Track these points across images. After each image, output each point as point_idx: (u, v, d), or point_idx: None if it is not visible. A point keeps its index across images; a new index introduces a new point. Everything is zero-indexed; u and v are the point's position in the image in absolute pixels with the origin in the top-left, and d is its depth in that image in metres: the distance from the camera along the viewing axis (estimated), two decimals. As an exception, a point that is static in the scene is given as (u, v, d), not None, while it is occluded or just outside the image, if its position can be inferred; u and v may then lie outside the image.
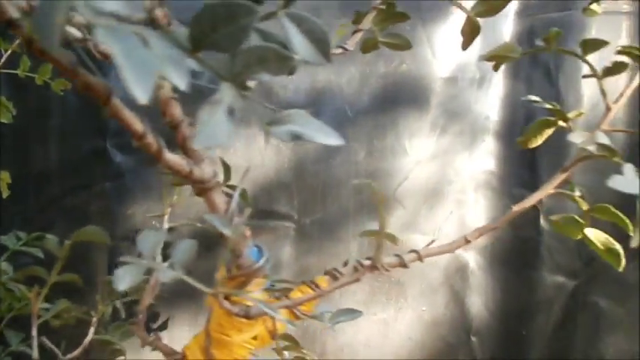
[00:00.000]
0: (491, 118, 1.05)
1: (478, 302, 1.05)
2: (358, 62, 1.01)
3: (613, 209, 0.35)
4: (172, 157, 0.27)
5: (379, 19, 0.42)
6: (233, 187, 0.58)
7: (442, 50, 1.03)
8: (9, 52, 0.74)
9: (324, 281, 0.38)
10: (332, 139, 0.24)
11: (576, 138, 0.32)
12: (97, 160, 0.99)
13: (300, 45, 0.28)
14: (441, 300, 1.03)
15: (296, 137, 0.24)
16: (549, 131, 0.42)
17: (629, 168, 0.29)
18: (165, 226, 0.55)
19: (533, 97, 0.42)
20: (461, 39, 0.47)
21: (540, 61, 1.07)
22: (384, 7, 0.41)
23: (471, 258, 1.04)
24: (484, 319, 1.04)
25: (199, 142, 0.21)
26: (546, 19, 1.06)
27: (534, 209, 0.99)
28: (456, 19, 1.02)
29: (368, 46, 0.45)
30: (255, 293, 0.32)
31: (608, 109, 0.37)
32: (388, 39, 0.45)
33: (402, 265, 0.37)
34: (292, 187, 0.99)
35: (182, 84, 0.22)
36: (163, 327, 0.97)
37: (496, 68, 0.42)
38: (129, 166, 0.99)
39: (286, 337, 0.44)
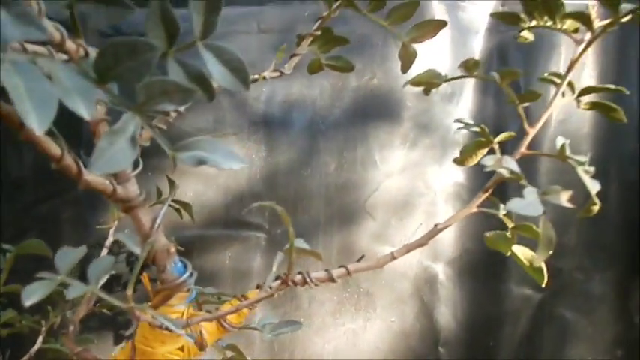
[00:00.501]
0: (461, 131, 1.07)
1: (447, 313, 1.06)
2: (330, 76, 1.03)
3: (535, 228, 0.37)
4: (93, 178, 0.28)
5: (321, 44, 0.44)
6: (180, 203, 0.59)
7: (413, 65, 1.05)
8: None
9: (254, 295, 0.39)
10: (235, 163, 0.26)
11: (487, 162, 0.33)
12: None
13: (220, 74, 0.29)
14: (410, 311, 1.05)
15: (202, 162, 0.26)
16: (483, 151, 0.44)
17: (529, 191, 0.31)
18: (110, 238, 0.56)
19: (465, 120, 0.44)
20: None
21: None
22: (319, 33, 0.43)
23: (440, 269, 1.06)
24: (452, 330, 1.06)
25: (96, 169, 0.23)
26: (517, 35, 1.08)
27: (502, 223, 1.00)
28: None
29: (313, 67, 0.47)
30: (178, 306, 0.34)
31: (526, 133, 0.39)
32: (332, 61, 0.47)
33: (330, 279, 0.38)
34: (264, 198, 1.01)
35: (86, 114, 0.23)
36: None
37: (426, 93, 0.44)
38: (102, 175, 1.00)
39: (232, 347, 0.45)
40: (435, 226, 0.41)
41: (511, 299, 1.06)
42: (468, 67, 0.41)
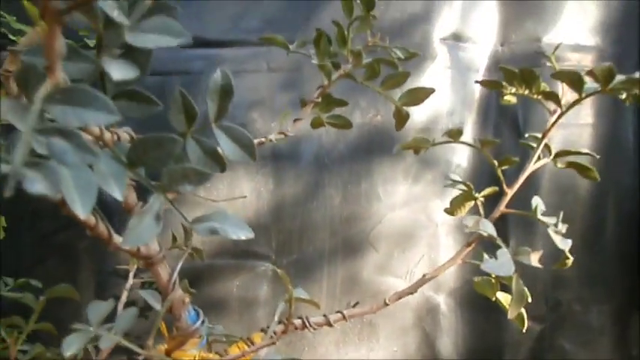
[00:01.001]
0: (462, 166, 1.11)
1: (448, 343, 1.09)
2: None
3: (516, 278, 0.41)
4: (120, 240, 0.33)
5: (322, 107, 0.48)
6: (196, 250, 0.64)
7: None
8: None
9: (259, 337, 0.43)
10: (243, 233, 0.30)
11: (468, 222, 0.37)
12: (88, 199, 1.06)
13: (231, 150, 0.34)
14: (412, 341, 1.07)
15: (214, 233, 0.30)
16: (471, 203, 0.48)
17: (502, 252, 0.35)
18: (130, 281, 0.61)
19: (453, 177, 0.48)
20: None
21: (508, 112, 1.13)
22: (319, 100, 0.47)
23: (442, 300, 1.09)
24: (454, 360, 1.08)
25: (127, 243, 0.27)
26: (515, 74, 1.13)
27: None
28: (430, 74, 1.09)
29: (315, 124, 0.51)
30: (191, 351, 0.38)
31: (504, 193, 0.43)
32: (332, 120, 0.51)
33: (328, 324, 0.42)
34: (271, 229, 1.05)
35: (119, 196, 0.28)
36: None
37: (416, 152, 0.49)
38: (118, 207, 1.05)
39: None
40: (424, 276, 0.45)
41: (511, 330, 1.08)
42: (452, 134, 0.46)
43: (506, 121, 1.13)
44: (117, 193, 0.27)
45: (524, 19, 1.15)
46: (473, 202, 0.47)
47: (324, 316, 0.43)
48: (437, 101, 1.12)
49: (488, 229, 0.37)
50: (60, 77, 0.23)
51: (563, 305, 1.09)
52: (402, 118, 0.46)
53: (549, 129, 0.42)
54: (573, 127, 1.11)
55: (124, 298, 0.58)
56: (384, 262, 1.07)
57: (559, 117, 0.41)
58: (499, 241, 0.36)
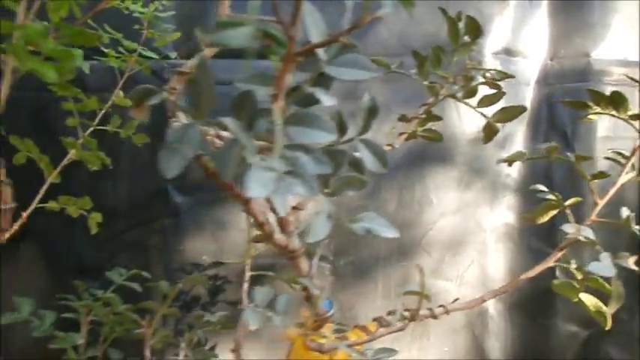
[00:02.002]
0: (511, 175, 1.15)
1: (496, 346, 1.13)
2: (392, 121, 1.13)
3: (601, 280, 0.46)
4: (279, 237, 0.39)
5: (421, 122, 0.54)
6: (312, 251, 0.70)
7: (468, 113, 1.15)
8: (103, 111, 0.88)
9: (373, 326, 0.49)
10: (390, 232, 0.36)
11: (568, 229, 0.42)
12: (158, 199, 1.13)
13: (368, 159, 0.40)
14: (462, 342, 1.12)
15: (368, 231, 0.36)
16: (553, 212, 0.53)
17: (604, 256, 0.39)
18: (248, 274, 0.67)
19: (540, 187, 0.53)
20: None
21: (558, 126, 1.17)
22: (424, 115, 0.53)
23: (491, 304, 1.13)
24: (501, 363, 1.12)
25: (310, 238, 0.33)
26: (564, 88, 1.17)
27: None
28: (483, 87, 1.14)
29: (409, 137, 0.57)
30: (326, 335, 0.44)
31: (595, 203, 0.48)
32: (425, 133, 0.57)
33: (432, 316, 0.47)
34: (330, 233, 1.10)
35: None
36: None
37: (510, 164, 0.54)
38: (186, 206, 1.12)
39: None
40: (518, 276, 0.49)
41: (558, 336, 1.12)
42: (549, 151, 0.51)
43: (556, 133, 1.17)
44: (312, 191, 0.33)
45: (573, 34, 1.19)
46: (556, 211, 0.52)
47: (429, 309, 0.49)
48: (489, 113, 1.17)
49: (588, 234, 0.42)
50: (282, 103, 0.29)
51: (609, 312, 1.12)
52: (491, 132, 0.51)
53: (638, 147, 0.46)
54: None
55: (245, 287, 0.64)
56: (436, 266, 1.12)
57: (648, 137, 0.45)
58: (599, 247, 0.41)
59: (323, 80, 0.31)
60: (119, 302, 0.57)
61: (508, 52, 1.17)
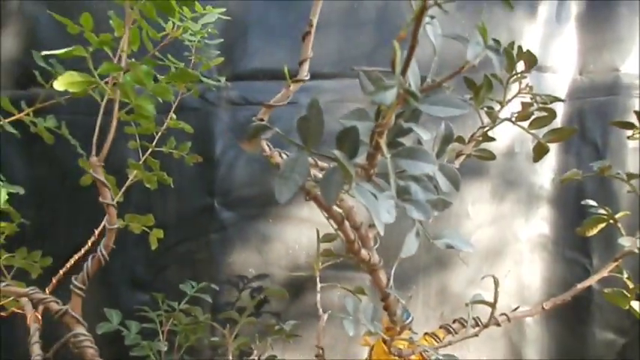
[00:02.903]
0: (545, 187, 1.19)
1: (533, 353, 1.16)
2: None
3: (652, 288, 0.49)
4: (364, 253, 0.43)
5: (475, 145, 0.59)
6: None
7: (501, 127, 1.19)
8: (159, 133, 0.94)
9: (441, 333, 0.53)
10: (468, 247, 0.40)
11: (625, 242, 0.46)
12: (205, 215, 1.18)
13: (444, 183, 0.44)
14: (500, 349, 1.15)
15: (450, 246, 0.40)
16: (602, 225, 0.57)
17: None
18: (319, 286, 0.71)
19: (590, 202, 0.57)
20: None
21: (589, 138, 1.21)
22: (480, 137, 0.58)
23: (527, 313, 1.16)
24: (539, 370, 1.15)
25: (403, 254, 0.37)
26: (594, 102, 1.21)
27: (586, 272, 1.13)
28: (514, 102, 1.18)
29: (467, 157, 0.62)
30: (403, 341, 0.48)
31: (647, 218, 0.52)
32: (479, 153, 0.62)
33: (496, 324, 0.52)
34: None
35: (390, 218, 0.39)
36: None
37: (563, 182, 0.58)
38: (231, 221, 1.18)
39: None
40: (575, 286, 0.53)
41: (595, 343, 1.14)
42: (603, 170, 0.55)
43: (587, 146, 1.20)
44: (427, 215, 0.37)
45: (601, 49, 1.22)
46: (604, 224, 0.56)
47: (493, 317, 0.53)
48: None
49: (644, 247, 0.46)
50: (385, 139, 0.34)
51: (646, 320, 1.15)
52: (542, 151, 0.55)
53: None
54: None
55: (318, 298, 0.69)
56: (474, 275, 1.15)
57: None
58: (653, 257, 0.45)
59: (414, 115, 0.36)
60: (200, 313, 0.62)
61: (538, 68, 1.21)
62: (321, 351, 0.54)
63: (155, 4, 0.53)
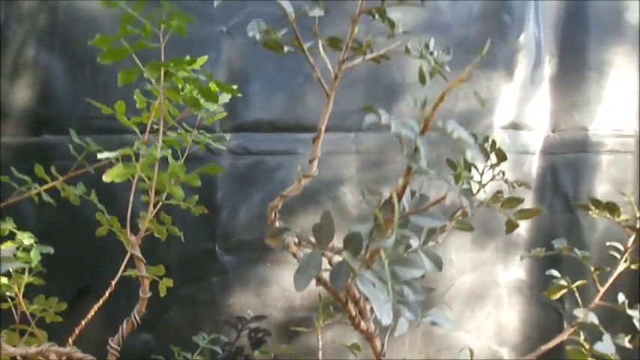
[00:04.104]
0: (522, 235, 1.29)
1: (512, 392, 1.24)
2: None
3: (610, 355, 0.59)
4: (364, 325, 0.52)
5: (455, 221, 0.69)
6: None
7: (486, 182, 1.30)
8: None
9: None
10: (449, 324, 0.49)
11: (578, 313, 0.56)
12: (206, 258, 1.26)
13: (427, 264, 0.54)
14: (481, 389, 1.23)
15: (434, 323, 0.49)
16: (563, 291, 0.67)
17: (606, 337, 0.53)
18: (320, 343, 0.79)
19: (554, 273, 0.67)
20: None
21: (561, 190, 1.32)
22: (460, 217, 0.68)
23: (506, 353, 1.25)
24: (517, 408, 1.24)
25: (397, 333, 0.46)
26: (566, 157, 1.32)
27: (559, 315, 1.23)
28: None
29: (444, 232, 0.71)
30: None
31: (598, 290, 0.61)
32: (459, 225, 0.71)
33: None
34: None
35: (388, 320, 0.48)
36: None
37: (531, 257, 0.68)
38: (232, 264, 1.26)
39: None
40: (531, 330, 0.63)
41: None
42: (562, 249, 0.65)
43: (559, 198, 1.31)
44: (416, 315, 0.47)
45: (572, 110, 1.34)
46: (565, 289, 0.65)
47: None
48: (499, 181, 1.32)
49: (593, 319, 0.56)
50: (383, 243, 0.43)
51: None
52: (512, 227, 0.65)
53: (629, 248, 0.60)
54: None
55: (320, 355, 0.77)
56: (457, 319, 1.24)
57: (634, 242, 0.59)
58: (602, 329, 0.55)
59: (405, 221, 0.46)
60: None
61: (515, 126, 1.33)
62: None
63: (183, 98, 0.62)
